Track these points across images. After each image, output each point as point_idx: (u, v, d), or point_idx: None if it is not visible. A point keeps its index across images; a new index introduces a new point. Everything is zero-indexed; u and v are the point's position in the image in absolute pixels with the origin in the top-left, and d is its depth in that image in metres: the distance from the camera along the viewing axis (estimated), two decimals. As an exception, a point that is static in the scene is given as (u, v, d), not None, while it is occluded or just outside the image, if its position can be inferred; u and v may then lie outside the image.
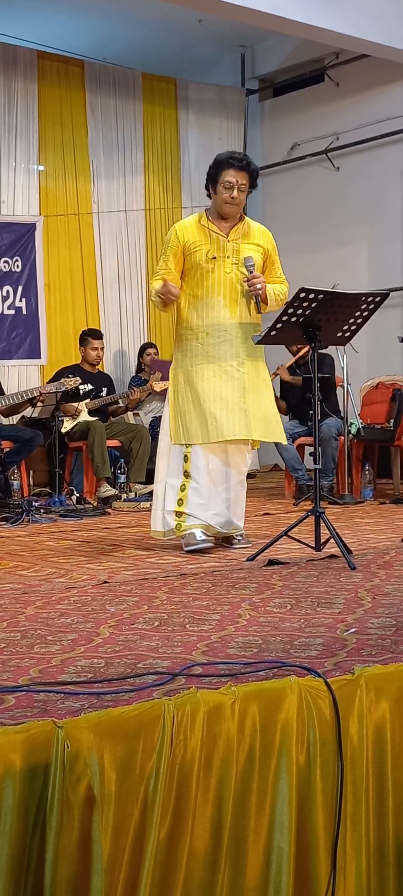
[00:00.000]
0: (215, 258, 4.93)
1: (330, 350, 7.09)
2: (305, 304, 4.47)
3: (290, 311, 4.49)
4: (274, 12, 7.93)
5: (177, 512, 4.91)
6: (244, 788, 2.11)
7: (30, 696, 2.26)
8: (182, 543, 4.93)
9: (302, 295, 4.44)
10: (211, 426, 4.86)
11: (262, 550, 4.55)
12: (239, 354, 4.95)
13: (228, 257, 4.96)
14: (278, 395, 7.87)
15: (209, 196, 5.09)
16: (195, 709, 2.07)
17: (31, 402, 7.76)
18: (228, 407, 4.89)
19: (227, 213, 4.99)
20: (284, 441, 5.31)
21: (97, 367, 8.54)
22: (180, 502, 4.91)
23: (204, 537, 4.87)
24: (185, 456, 4.93)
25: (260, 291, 4.92)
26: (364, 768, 2.29)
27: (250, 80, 10.76)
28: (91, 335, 8.50)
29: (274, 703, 2.18)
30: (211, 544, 4.88)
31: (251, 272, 4.91)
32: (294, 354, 8.04)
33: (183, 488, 4.92)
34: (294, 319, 4.53)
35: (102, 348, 8.51)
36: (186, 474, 4.93)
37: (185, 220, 5.19)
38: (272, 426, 5.01)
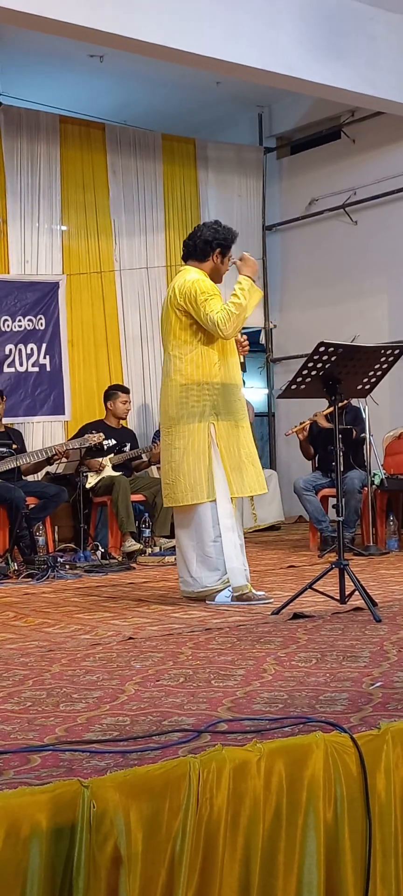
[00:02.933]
0: None
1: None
2: (325, 358, 4.50)
3: (310, 364, 4.53)
4: (290, 73, 8.04)
5: (237, 568, 5.04)
6: (271, 847, 2.10)
7: (55, 755, 2.26)
8: (209, 597, 4.96)
9: (322, 349, 4.47)
10: (245, 480, 5.07)
11: (287, 604, 4.54)
12: (244, 411, 5.23)
13: None
14: (308, 440, 7.90)
15: (204, 255, 5.22)
16: (221, 766, 2.07)
17: (49, 461, 7.81)
18: (250, 462, 5.11)
19: (218, 282, 5.28)
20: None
21: (121, 422, 8.60)
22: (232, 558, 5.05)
23: (261, 592, 5.07)
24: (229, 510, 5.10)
25: (247, 352, 5.38)
26: (393, 825, 2.27)
27: (268, 138, 10.89)
28: (120, 389, 8.61)
29: (300, 760, 2.17)
30: (271, 600, 4.95)
31: (240, 333, 5.23)
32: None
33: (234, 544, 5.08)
34: (314, 373, 4.56)
35: (129, 402, 8.64)
36: (233, 528, 5.09)
37: (201, 276, 5.20)
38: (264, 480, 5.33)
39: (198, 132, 10.35)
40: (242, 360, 5.35)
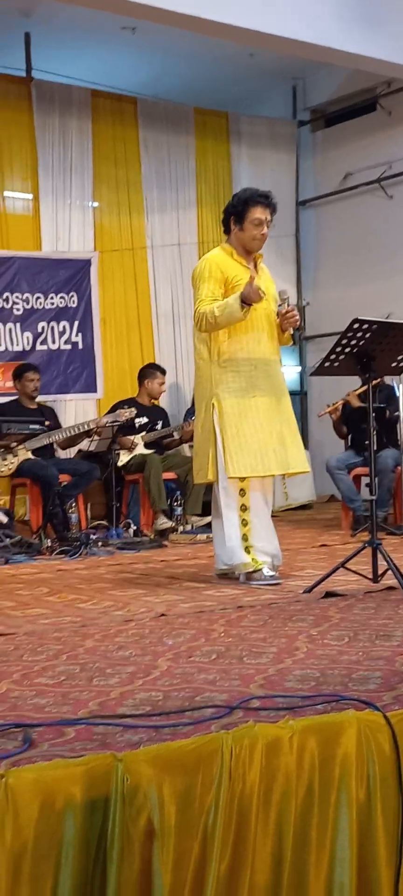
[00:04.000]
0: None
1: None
2: (359, 335, 4.47)
3: (344, 341, 4.49)
4: (325, 44, 7.96)
5: (246, 547, 4.92)
6: (304, 822, 2.10)
7: (89, 728, 2.28)
8: (239, 575, 4.94)
9: (356, 325, 4.44)
10: (267, 459, 4.89)
11: (319, 582, 4.53)
12: (279, 388, 5.06)
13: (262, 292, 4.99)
14: (341, 421, 7.86)
15: (225, 228, 5.13)
16: (253, 742, 2.07)
17: (88, 434, 7.85)
18: (278, 440, 4.96)
19: (255, 249, 5.07)
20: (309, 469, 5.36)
21: (153, 400, 8.62)
22: (245, 537, 4.92)
23: (272, 573, 4.89)
24: (242, 490, 4.94)
25: (298, 322, 5.05)
26: (426, 803, 2.26)
27: (302, 111, 10.81)
28: (158, 369, 8.62)
29: (333, 738, 2.17)
30: (280, 581, 4.87)
31: (288, 304, 4.97)
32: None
33: (245, 523, 4.93)
34: (347, 350, 4.53)
35: (164, 383, 8.67)
36: (244, 508, 4.94)
37: (217, 255, 5.11)
38: (304, 458, 5.15)
39: (231, 106, 10.29)
40: (291, 333, 5.16)
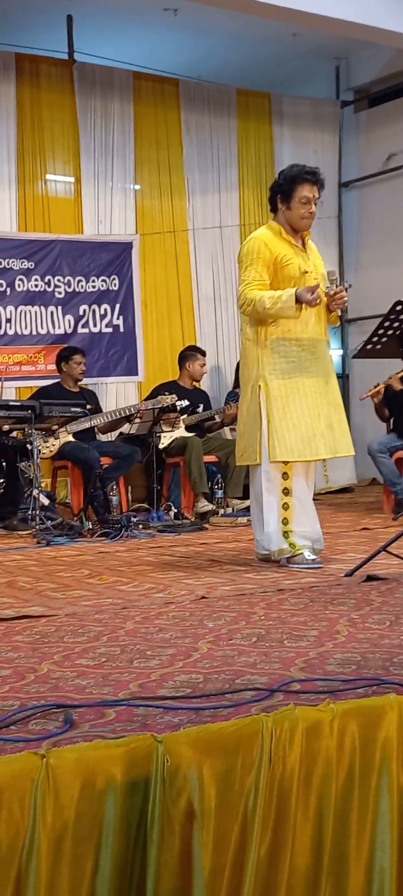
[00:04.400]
0: (307, 272, 4.89)
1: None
2: (402, 318, 4.43)
3: (386, 324, 4.46)
4: (369, 23, 7.88)
5: (284, 532, 4.89)
6: (344, 806, 2.10)
7: (130, 710, 2.28)
8: (280, 559, 4.92)
9: (399, 307, 4.40)
10: (314, 443, 4.83)
11: (361, 566, 4.50)
12: (326, 370, 4.97)
13: (311, 271, 4.92)
14: (383, 403, 7.79)
15: (272, 207, 5.04)
16: (293, 725, 2.06)
17: (129, 419, 7.88)
18: (326, 423, 4.89)
19: (303, 227, 4.97)
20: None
21: (194, 383, 8.62)
22: (285, 521, 4.89)
23: (313, 557, 4.86)
24: (285, 473, 4.90)
25: (346, 304, 4.94)
26: None
27: (345, 91, 10.71)
28: (198, 351, 8.63)
29: (374, 722, 2.15)
30: (321, 565, 4.84)
31: (337, 285, 4.89)
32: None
33: (286, 507, 4.89)
34: (390, 333, 4.49)
35: (206, 365, 8.67)
36: (286, 492, 4.89)
37: (266, 233, 4.99)
38: (350, 441, 5.04)
39: (274, 87, 10.22)
40: (339, 314, 5.05)
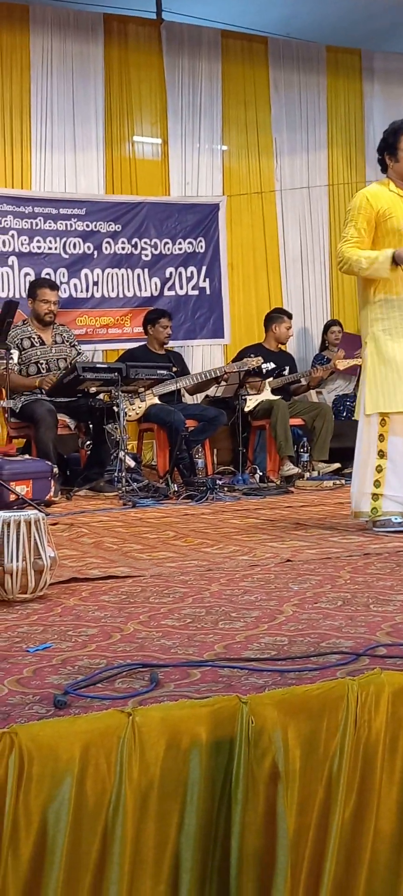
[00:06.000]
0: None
1: None
2: None
3: None
4: None
5: (373, 494, 4.83)
6: (430, 773, 2.07)
7: (215, 671, 2.29)
8: (366, 524, 4.87)
9: None
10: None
11: None
12: None
13: None
14: None
15: (382, 167, 4.98)
16: (379, 690, 2.05)
17: (216, 381, 7.89)
18: None
19: None
20: None
21: (280, 346, 8.57)
22: (377, 484, 4.82)
23: (400, 521, 4.79)
24: (381, 435, 4.83)
25: None
26: None
27: (438, 45, 10.44)
28: (284, 314, 8.58)
29: None
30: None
31: None
32: None
33: (379, 469, 4.83)
34: None
35: (291, 328, 8.62)
36: (381, 454, 4.83)
37: (372, 188, 4.97)
38: None
39: (364, 43, 10.02)
40: None
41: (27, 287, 7.89)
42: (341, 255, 4.85)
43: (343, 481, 7.24)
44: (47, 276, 8.24)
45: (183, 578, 3.65)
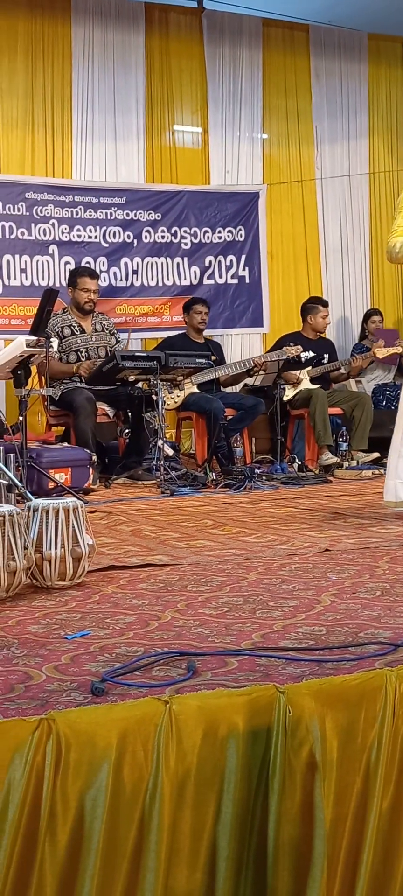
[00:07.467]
0: None
1: None
2: None
3: None
4: None
5: None
6: None
7: (252, 660, 2.29)
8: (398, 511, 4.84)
9: None
10: None
11: None
12: None
13: None
14: None
15: None
16: (419, 681, 2.03)
17: (249, 373, 7.88)
18: None
19: None
20: None
21: (319, 334, 8.53)
22: None
23: None
24: None
25: None
26: None
27: None
28: (320, 303, 8.53)
29: None
30: None
31: None
32: None
33: None
34: None
35: (329, 315, 8.57)
36: None
37: None
38: None
39: (407, 30, 9.93)
40: None
41: (67, 276, 7.92)
42: (387, 244, 4.89)
43: (382, 471, 7.18)
44: (87, 265, 8.27)
45: (220, 567, 3.65)
